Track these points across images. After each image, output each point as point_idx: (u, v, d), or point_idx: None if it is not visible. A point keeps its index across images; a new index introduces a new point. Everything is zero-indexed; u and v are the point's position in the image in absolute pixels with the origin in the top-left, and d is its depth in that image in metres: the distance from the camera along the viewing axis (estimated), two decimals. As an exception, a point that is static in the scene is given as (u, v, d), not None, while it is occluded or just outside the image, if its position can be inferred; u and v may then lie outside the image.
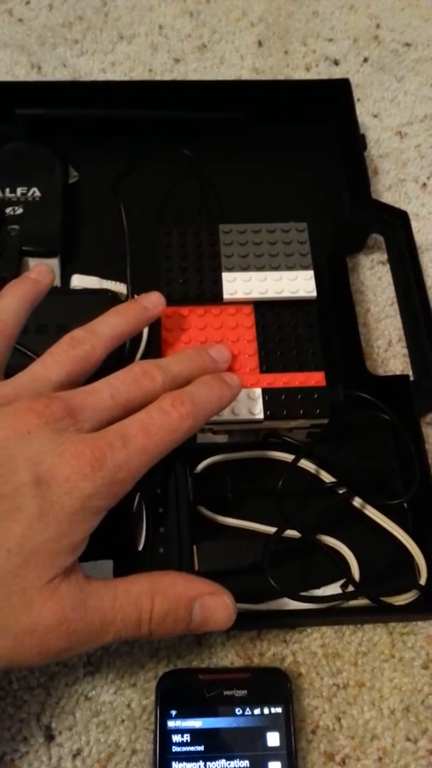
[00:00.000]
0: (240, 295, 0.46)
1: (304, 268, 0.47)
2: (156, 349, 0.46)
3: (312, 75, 0.65)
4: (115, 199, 0.51)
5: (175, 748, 0.36)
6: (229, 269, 0.47)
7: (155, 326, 0.48)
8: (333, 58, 0.67)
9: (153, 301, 0.42)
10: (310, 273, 0.47)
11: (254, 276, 0.47)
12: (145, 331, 0.49)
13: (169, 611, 0.33)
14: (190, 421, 0.35)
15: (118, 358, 0.46)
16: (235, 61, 0.66)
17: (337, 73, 0.66)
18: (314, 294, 0.46)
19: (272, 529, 0.42)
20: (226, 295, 0.46)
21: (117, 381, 0.36)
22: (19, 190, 0.53)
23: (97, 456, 0.32)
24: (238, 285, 0.47)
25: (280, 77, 0.65)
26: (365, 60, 0.67)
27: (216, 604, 0.34)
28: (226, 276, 0.47)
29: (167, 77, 0.65)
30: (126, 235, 0.50)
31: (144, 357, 0.49)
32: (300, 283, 0.46)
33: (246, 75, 0.65)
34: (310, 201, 0.56)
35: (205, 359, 0.40)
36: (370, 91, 0.65)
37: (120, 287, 0.50)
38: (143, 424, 0.34)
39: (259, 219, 0.49)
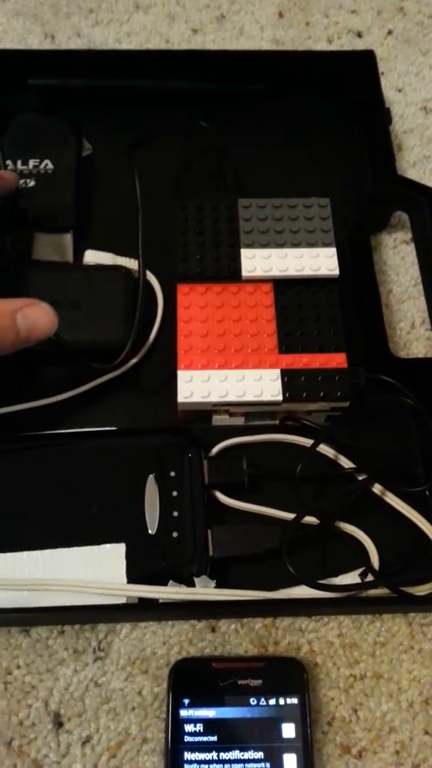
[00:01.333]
0: (259, 273, 0.45)
1: (327, 245, 0.45)
2: (171, 327, 0.45)
3: (334, 47, 0.63)
4: (130, 169, 0.49)
5: (187, 738, 0.35)
6: (249, 245, 0.46)
7: (170, 303, 0.46)
8: (356, 30, 0.64)
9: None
10: (333, 250, 0.45)
11: (274, 253, 0.45)
12: (160, 308, 0.48)
13: None
14: None
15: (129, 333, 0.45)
16: (254, 32, 0.64)
17: (360, 46, 0.63)
18: (337, 272, 0.44)
19: (288, 515, 0.41)
20: (245, 272, 0.45)
21: None
22: (32, 163, 0.51)
23: None
24: (257, 262, 0.45)
25: (302, 49, 0.63)
26: (389, 32, 0.64)
27: (36, 312, 0.37)
28: (245, 252, 0.45)
29: (184, 48, 0.62)
30: (139, 207, 0.48)
31: (158, 336, 0.47)
32: (322, 261, 0.45)
33: (266, 46, 0.63)
34: (331, 177, 0.54)
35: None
36: (395, 65, 0.62)
37: (134, 264, 0.48)
38: None
39: (278, 194, 0.48)
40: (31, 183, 0.50)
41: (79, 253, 0.49)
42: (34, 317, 0.38)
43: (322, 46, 0.63)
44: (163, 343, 0.47)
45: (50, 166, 0.51)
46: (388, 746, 0.37)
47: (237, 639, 0.39)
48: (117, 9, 0.64)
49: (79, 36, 0.63)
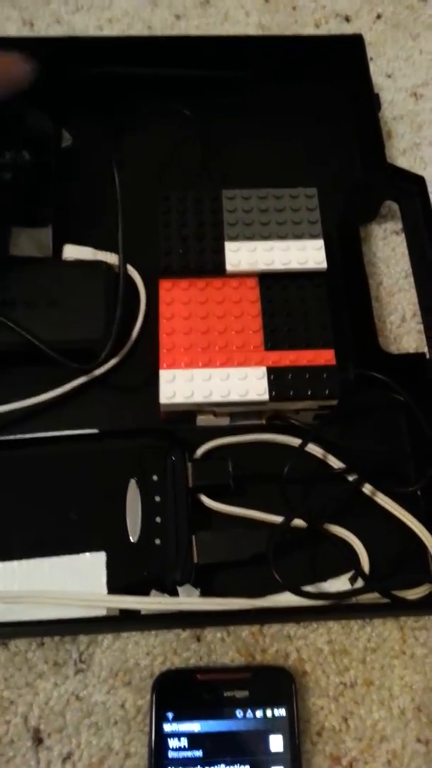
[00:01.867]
0: (244, 267, 0.43)
1: (314, 237, 0.44)
2: (154, 324, 0.43)
3: (322, 32, 0.61)
4: (109, 160, 0.48)
5: (171, 753, 0.34)
6: (233, 238, 0.44)
7: (153, 299, 0.45)
8: (344, 14, 0.62)
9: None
10: (320, 242, 0.43)
11: (260, 246, 0.44)
12: (143, 303, 0.46)
13: None
14: None
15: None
16: (239, 17, 0.62)
17: (348, 30, 0.61)
18: (324, 265, 0.43)
19: (276, 518, 0.39)
20: (230, 266, 0.43)
21: None
22: (8, 154, 0.49)
23: None
24: (242, 255, 0.43)
25: (287, 34, 0.61)
26: (378, 16, 0.63)
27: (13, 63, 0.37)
28: (229, 246, 0.44)
29: (167, 34, 0.60)
30: (119, 199, 0.46)
31: (141, 334, 0.45)
32: (309, 254, 0.43)
33: (251, 32, 0.61)
34: (318, 166, 0.52)
35: None
36: (384, 50, 0.61)
37: (115, 259, 0.46)
38: None
39: (263, 185, 0.46)
40: (7, 176, 0.49)
41: (57, 248, 0.48)
42: (8, 63, 0.36)
43: (309, 31, 0.61)
44: (146, 341, 0.45)
45: (28, 157, 0.49)
46: (379, 756, 0.36)
47: (223, 648, 0.38)
48: (98, -6, 0.62)
49: (59, 23, 0.61)
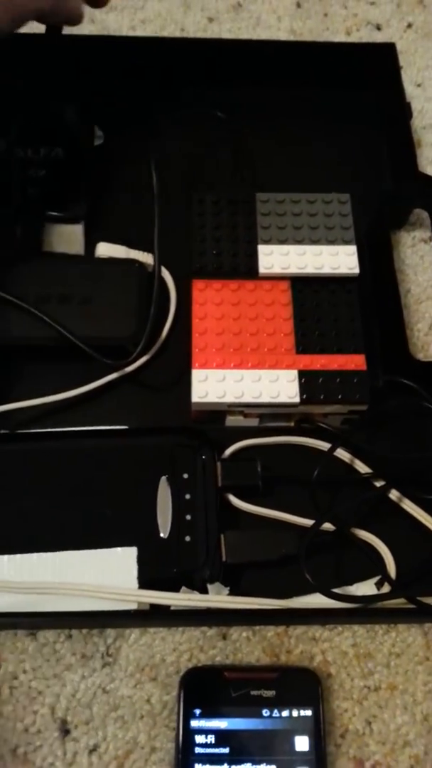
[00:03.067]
0: (277, 270, 0.43)
1: (346, 242, 0.44)
2: (186, 324, 0.44)
3: (353, 39, 0.62)
4: (146, 159, 0.48)
5: (198, 749, 0.34)
6: (266, 241, 0.44)
7: (185, 299, 0.45)
8: (375, 23, 0.63)
9: None
10: (353, 248, 0.44)
11: (292, 250, 0.44)
12: (173, 303, 0.46)
13: None
14: None
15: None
16: (271, 22, 0.63)
17: (379, 39, 0.62)
18: (357, 271, 0.43)
19: (302, 521, 0.40)
20: (262, 269, 0.43)
21: None
22: (42, 151, 0.50)
23: None
24: (275, 259, 0.44)
25: (320, 41, 0.61)
26: (409, 25, 0.63)
27: None
28: (262, 249, 0.44)
29: (200, 36, 0.61)
30: (155, 199, 0.46)
31: (171, 331, 0.46)
32: (342, 259, 0.44)
33: (283, 37, 0.61)
34: (348, 172, 0.52)
35: None
36: (414, 59, 0.61)
37: (148, 258, 0.47)
38: None
39: (294, 189, 0.46)
40: (42, 172, 0.49)
41: (90, 245, 0.48)
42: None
43: (340, 37, 0.62)
44: (175, 341, 0.46)
45: (61, 154, 0.50)
46: (402, 761, 0.36)
47: (249, 647, 0.38)
48: (131, -5, 0.63)
49: (93, 22, 0.61)
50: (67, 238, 0.48)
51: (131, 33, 0.61)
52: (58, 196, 0.48)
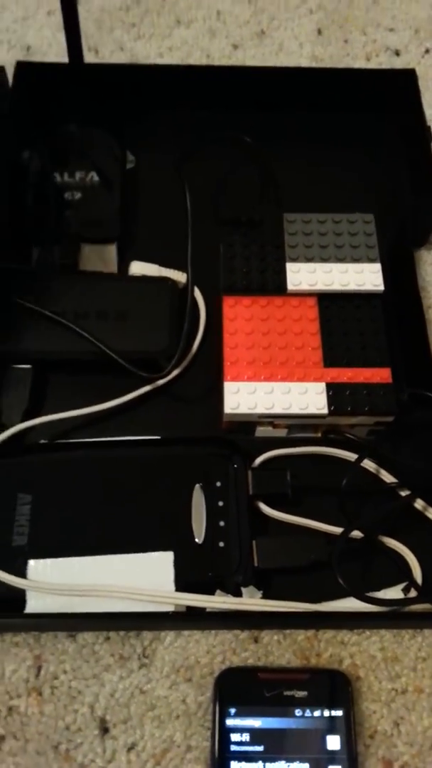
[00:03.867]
0: (304, 287, 0.45)
1: (371, 260, 0.46)
2: (217, 338, 0.45)
3: (372, 65, 0.64)
4: (179, 182, 0.50)
5: (234, 747, 0.35)
6: (294, 260, 0.46)
7: (215, 315, 0.47)
8: (394, 48, 0.65)
9: None
10: (378, 266, 0.46)
11: (319, 267, 0.46)
12: (202, 320, 0.48)
13: None
14: None
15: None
16: (294, 48, 0.65)
17: (397, 64, 0.64)
18: (381, 287, 0.45)
19: (330, 528, 0.41)
20: (291, 286, 0.45)
21: None
22: (78, 175, 0.52)
23: None
24: (302, 276, 0.46)
25: (340, 66, 0.63)
26: (427, 51, 0.65)
27: None
28: (290, 266, 0.46)
29: (225, 63, 0.63)
30: (189, 219, 0.48)
31: (202, 346, 0.48)
32: (367, 276, 0.45)
33: (305, 63, 0.64)
34: (370, 193, 0.54)
35: None
36: (432, 83, 0.63)
37: (179, 275, 0.49)
38: None
39: (318, 209, 0.48)
40: (78, 195, 0.51)
41: (123, 264, 0.50)
42: None
43: (360, 63, 0.64)
44: (205, 355, 0.48)
45: (95, 178, 0.52)
46: (430, 762, 0.37)
47: (279, 650, 0.40)
48: (159, 24, 0.66)
49: (122, 50, 0.64)
50: (102, 258, 0.50)
51: (159, 60, 0.63)
52: (93, 218, 0.50)
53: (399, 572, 0.41)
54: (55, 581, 0.38)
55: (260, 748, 0.35)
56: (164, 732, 0.37)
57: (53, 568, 0.38)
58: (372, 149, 0.57)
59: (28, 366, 0.45)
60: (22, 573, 0.38)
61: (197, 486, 0.41)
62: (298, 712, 0.36)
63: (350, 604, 0.39)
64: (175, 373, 0.46)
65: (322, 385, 0.43)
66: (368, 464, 0.43)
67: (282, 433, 0.45)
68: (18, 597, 0.38)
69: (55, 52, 0.63)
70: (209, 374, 0.46)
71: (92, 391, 0.45)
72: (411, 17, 0.67)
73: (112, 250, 0.50)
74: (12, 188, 0.50)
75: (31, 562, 0.38)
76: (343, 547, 0.39)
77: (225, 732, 0.35)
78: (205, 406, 0.46)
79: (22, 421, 0.43)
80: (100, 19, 0.65)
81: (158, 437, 0.44)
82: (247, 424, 0.44)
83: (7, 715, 0.38)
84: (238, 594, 0.39)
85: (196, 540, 0.39)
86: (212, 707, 0.37)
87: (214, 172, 0.55)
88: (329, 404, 0.42)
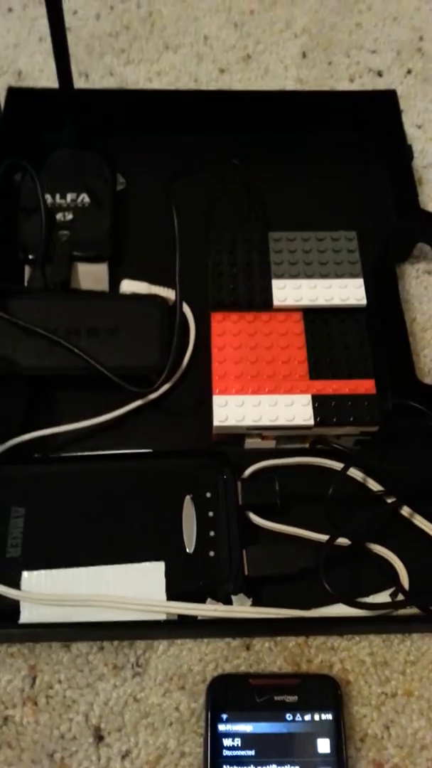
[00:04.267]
0: (290, 302, 0.47)
1: (354, 276, 0.47)
2: (206, 353, 0.47)
3: (356, 86, 0.66)
4: (167, 203, 0.52)
5: (225, 752, 0.36)
6: (279, 276, 0.48)
7: (205, 330, 0.48)
8: (377, 70, 0.67)
9: None
10: (360, 281, 0.47)
11: (304, 283, 0.47)
12: (192, 336, 0.50)
13: None
14: None
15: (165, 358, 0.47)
16: (279, 71, 0.67)
17: (380, 84, 0.66)
18: (364, 302, 0.46)
19: (319, 536, 0.42)
20: (277, 301, 0.47)
21: None
22: (69, 196, 0.53)
23: None
24: (288, 292, 0.47)
25: (324, 88, 0.65)
26: (409, 71, 0.67)
27: None
28: (276, 283, 0.47)
29: (212, 87, 0.65)
30: (176, 238, 0.50)
31: (192, 360, 0.49)
32: (350, 291, 0.47)
33: (290, 85, 0.66)
34: (354, 210, 0.56)
35: None
36: (414, 102, 0.65)
37: (168, 293, 0.50)
38: None
39: (303, 227, 0.50)
40: (69, 216, 0.53)
41: (114, 282, 0.52)
42: None
43: (343, 84, 0.66)
44: (195, 369, 0.49)
45: (87, 199, 0.54)
46: (420, 763, 0.38)
47: (271, 657, 0.40)
48: (147, 49, 0.67)
49: (112, 75, 0.66)
50: (93, 276, 0.52)
51: (148, 84, 0.65)
52: (84, 238, 0.52)
53: (386, 578, 0.42)
54: (48, 592, 0.39)
55: (252, 753, 0.36)
56: (158, 739, 0.38)
57: (47, 579, 0.39)
58: (356, 167, 0.59)
59: (22, 382, 0.46)
60: (16, 584, 0.39)
61: (188, 497, 0.42)
62: (288, 716, 0.37)
63: (339, 611, 0.40)
64: (165, 387, 0.47)
65: (308, 397, 0.44)
66: (355, 473, 0.44)
67: (270, 444, 0.46)
68: (12, 608, 0.38)
69: (47, 77, 0.65)
70: (199, 388, 0.48)
71: (84, 406, 0.46)
72: (393, 39, 0.69)
73: (103, 269, 0.52)
74: (5, 210, 0.52)
75: (25, 574, 0.39)
76: (328, 554, 0.40)
77: (217, 738, 0.36)
78: (195, 420, 0.47)
79: (16, 435, 0.45)
80: (90, 44, 0.67)
81: (149, 450, 0.45)
82: (236, 436, 0.45)
83: (3, 725, 0.38)
84: (229, 602, 0.40)
85: (187, 550, 0.40)
86: (204, 714, 0.37)
87: (202, 193, 0.56)
88: (315, 415, 0.43)
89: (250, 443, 0.45)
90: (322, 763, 0.36)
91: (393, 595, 0.41)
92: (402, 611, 0.40)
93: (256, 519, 0.43)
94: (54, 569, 0.39)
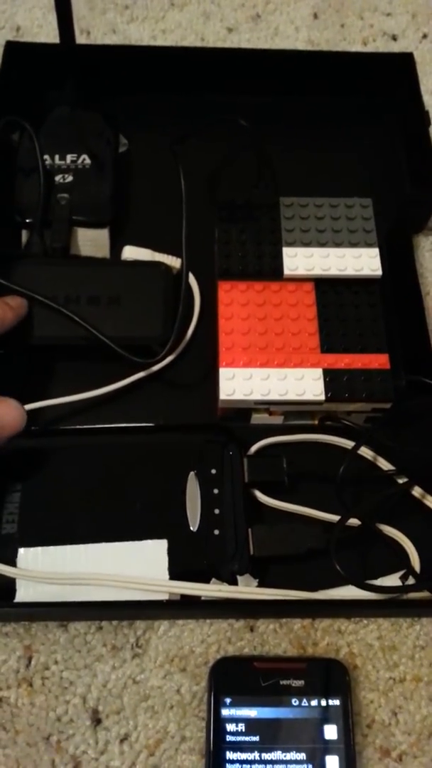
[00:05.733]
0: (301, 272, 0.44)
1: (369, 245, 0.45)
2: (212, 324, 0.45)
3: (369, 49, 0.63)
4: (174, 165, 0.49)
5: (229, 737, 0.35)
6: (290, 244, 0.45)
7: (210, 300, 0.46)
8: (391, 33, 0.64)
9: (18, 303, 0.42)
10: (376, 251, 0.45)
11: (316, 252, 0.45)
12: (197, 305, 0.47)
13: None
14: None
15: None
16: (289, 32, 0.64)
17: (395, 49, 0.63)
18: (380, 272, 0.44)
19: (327, 516, 0.41)
20: (287, 270, 0.44)
21: None
22: (69, 158, 0.51)
23: None
24: (299, 261, 0.45)
25: (338, 50, 0.62)
26: (424, 36, 0.64)
27: (3, 411, 0.37)
28: (286, 251, 0.45)
29: (221, 47, 0.62)
30: (183, 204, 0.47)
31: (196, 332, 0.47)
32: (364, 261, 0.45)
33: (301, 47, 0.63)
34: (367, 178, 0.54)
35: None
36: (430, 68, 0.62)
37: (172, 260, 0.48)
38: None
39: (315, 194, 0.47)
40: (69, 178, 0.50)
41: (116, 249, 0.49)
42: (1, 414, 0.37)
43: (356, 47, 0.63)
44: (200, 341, 0.47)
45: (87, 161, 0.51)
46: (428, 750, 0.37)
47: (276, 639, 0.39)
48: (152, 6, 0.64)
49: (115, 32, 0.63)
50: (94, 242, 0.49)
51: (153, 42, 0.62)
52: (84, 202, 0.49)
53: (397, 560, 0.40)
54: (45, 570, 0.37)
55: (256, 739, 0.35)
56: (158, 722, 0.37)
57: (44, 556, 0.38)
58: (370, 134, 0.57)
59: (20, 351, 0.44)
60: (11, 561, 0.37)
61: (192, 473, 0.40)
62: (294, 701, 0.35)
63: (347, 593, 0.39)
64: (169, 359, 0.45)
65: (318, 371, 0.42)
66: (365, 451, 0.43)
67: (278, 420, 0.44)
68: (8, 586, 0.37)
69: (46, 33, 0.62)
70: (204, 360, 0.46)
71: (84, 377, 0.44)
72: (408, 2, 0.66)
73: (104, 235, 0.49)
74: (2, 170, 0.49)
75: (21, 551, 0.38)
76: (340, 534, 0.39)
77: (220, 722, 0.35)
78: (200, 393, 0.45)
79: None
80: (92, 0, 0.64)
81: (152, 424, 0.43)
82: (242, 410, 0.43)
83: (-2, 707, 0.37)
84: (234, 582, 0.38)
85: (191, 528, 0.39)
86: (207, 697, 0.36)
87: (209, 156, 0.54)
88: (326, 390, 0.41)
89: (257, 418, 0.44)
90: (329, 749, 0.35)
91: (403, 578, 0.39)
92: (412, 594, 0.39)
93: (262, 497, 0.41)
94: (51, 546, 0.38)
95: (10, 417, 0.37)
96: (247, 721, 0.35)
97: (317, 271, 0.44)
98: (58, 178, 0.50)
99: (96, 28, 0.63)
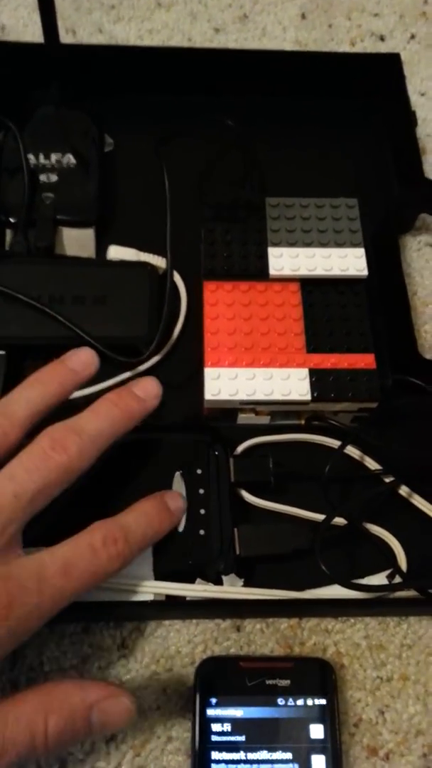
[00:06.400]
0: (287, 272, 0.44)
1: (355, 245, 0.45)
2: (196, 325, 0.44)
3: (357, 50, 0.63)
4: (158, 165, 0.49)
5: (215, 737, 0.34)
6: (276, 244, 0.45)
7: (196, 300, 0.46)
8: (379, 34, 0.65)
9: (83, 362, 0.37)
10: (361, 251, 0.45)
11: (302, 252, 0.45)
12: (183, 305, 0.47)
13: (65, 726, 0.30)
14: (119, 563, 0.33)
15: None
16: (277, 33, 0.64)
17: (382, 49, 0.63)
18: (365, 272, 0.44)
19: (314, 515, 0.41)
20: (273, 270, 0.44)
21: (21, 469, 0.32)
22: (54, 157, 0.51)
23: (4, 602, 0.29)
24: (284, 261, 0.45)
25: (326, 51, 0.63)
26: (412, 36, 0.65)
27: (114, 708, 0.31)
28: (272, 251, 0.45)
29: (207, 47, 0.62)
30: (168, 203, 0.47)
31: (183, 331, 0.47)
32: (350, 261, 0.45)
33: (288, 47, 0.63)
34: (353, 178, 0.54)
35: (129, 403, 0.36)
36: (417, 69, 0.62)
37: (158, 260, 0.48)
38: (66, 564, 0.31)
39: (301, 195, 0.47)
40: (54, 177, 0.50)
41: (101, 249, 0.49)
42: (111, 713, 0.31)
43: (344, 48, 0.63)
44: (186, 341, 0.47)
45: (73, 160, 0.51)
46: (415, 749, 0.37)
47: (262, 639, 0.39)
48: (139, 6, 0.64)
49: (101, 32, 0.63)
50: (79, 242, 0.49)
51: (139, 42, 0.62)
52: (69, 201, 0.49)
53: (383, 559, 0.40)
54: (31, 571, 0.37)
55: (242, 738, 0.34)
56: (144, 723, 0.37)
57: (29, 557, 0.37)
58: (357, 134, 0.57)
59: (2, 352, 0.44)
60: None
61: (177, 473, 0.40)
62: (280, 701, 0.35)
63: (334, 592, 0.39)
64: (155, 359, 0.45)
65: (305, 371, 0.42)
66: (352, 451, 0.43)
67: (265, 420, 0.44)
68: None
69: (32, 32, 0.61)
70: (190, 360, 0.45)
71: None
72: (396, 3, 0.66)
73: (89, 234, 0.49)
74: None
75: (7, 552, 0.37)
76: (325, 533, 0.39)
77: (206, 722, 0.35)
78: (186, 393, 0.45)
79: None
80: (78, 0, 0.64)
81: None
82: (228, 410, 0.43)
83: (-18, 709, 0.36)
84: (219, 582, 0.38)
85: (177, 528, 0.39)
86: (193, 697, 0.36)
87: (196, 156, 0.54)
88: (312, 390, 0.41)
89: (243, 418, 0.44)
90: (315, 749, 0.34)
91: (390, 576, 0.39)
92: (399, 593, 0.39)
93: (248, 497, 0.41)
94: (35, 547, 0.37)
95: (118, 714, 0.31)
96: (234, 721, 0.35)
97: (303, 271, 0.44)
98: (42, 177, 0.50)
99: (82, 27, 0.63)
